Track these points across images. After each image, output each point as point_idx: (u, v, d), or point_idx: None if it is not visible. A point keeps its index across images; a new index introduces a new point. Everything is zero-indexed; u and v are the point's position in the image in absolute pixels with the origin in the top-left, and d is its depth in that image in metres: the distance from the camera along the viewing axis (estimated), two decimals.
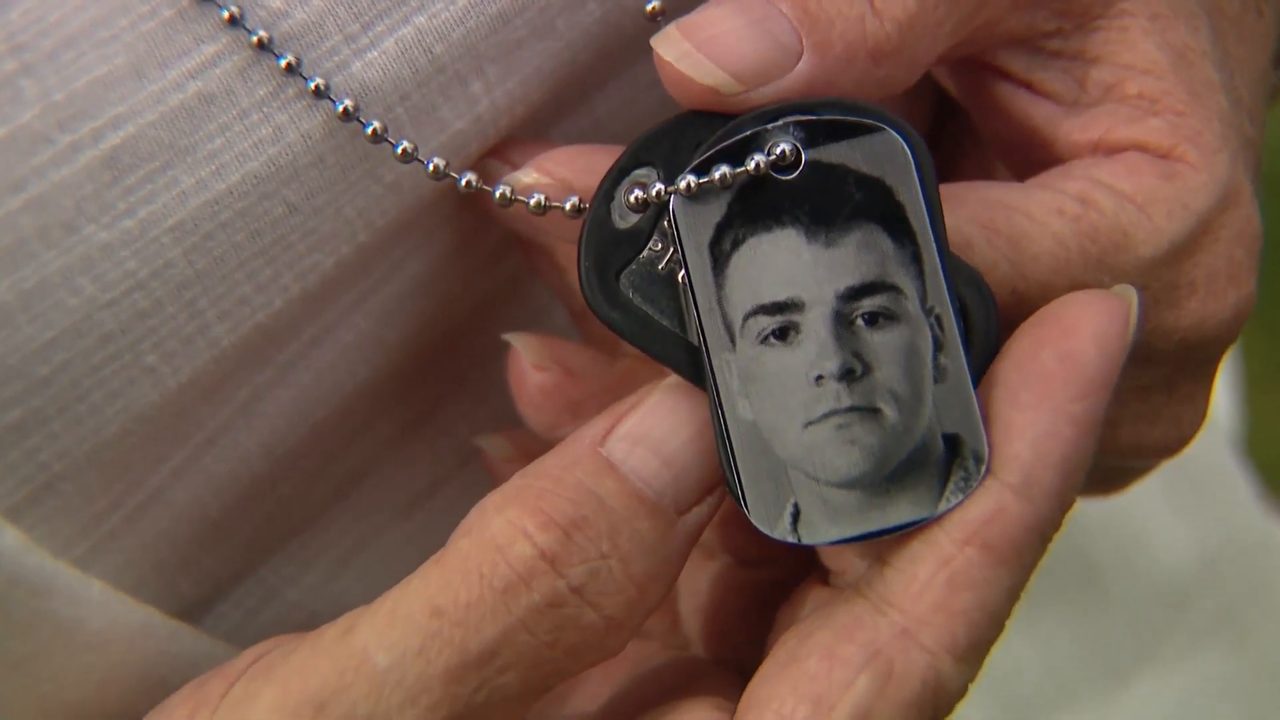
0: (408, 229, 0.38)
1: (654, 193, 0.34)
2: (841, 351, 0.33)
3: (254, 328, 0.36)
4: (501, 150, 0.38)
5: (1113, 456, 0.40)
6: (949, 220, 0.34)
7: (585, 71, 0.39)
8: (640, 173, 0.35)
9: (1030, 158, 0.39)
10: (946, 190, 0.35)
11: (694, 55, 0.34)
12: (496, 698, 0.33)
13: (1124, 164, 0.37)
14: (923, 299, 0.34)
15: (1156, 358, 0.38)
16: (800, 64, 0.34)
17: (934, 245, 0.34)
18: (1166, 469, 0.62)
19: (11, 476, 0.34)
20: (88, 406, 0.35)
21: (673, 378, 0.35)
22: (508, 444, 0.42)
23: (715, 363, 0.34)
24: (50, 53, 0.33)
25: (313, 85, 0.35)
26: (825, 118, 0.34)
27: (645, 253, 0.35)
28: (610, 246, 0.35)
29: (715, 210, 0.34)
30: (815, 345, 0.33)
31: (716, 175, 0.34)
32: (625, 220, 0.35)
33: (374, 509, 0.43)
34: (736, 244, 0.34)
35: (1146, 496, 0.68)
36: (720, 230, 0.34)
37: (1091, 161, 0.37)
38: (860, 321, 0.34)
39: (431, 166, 0.36)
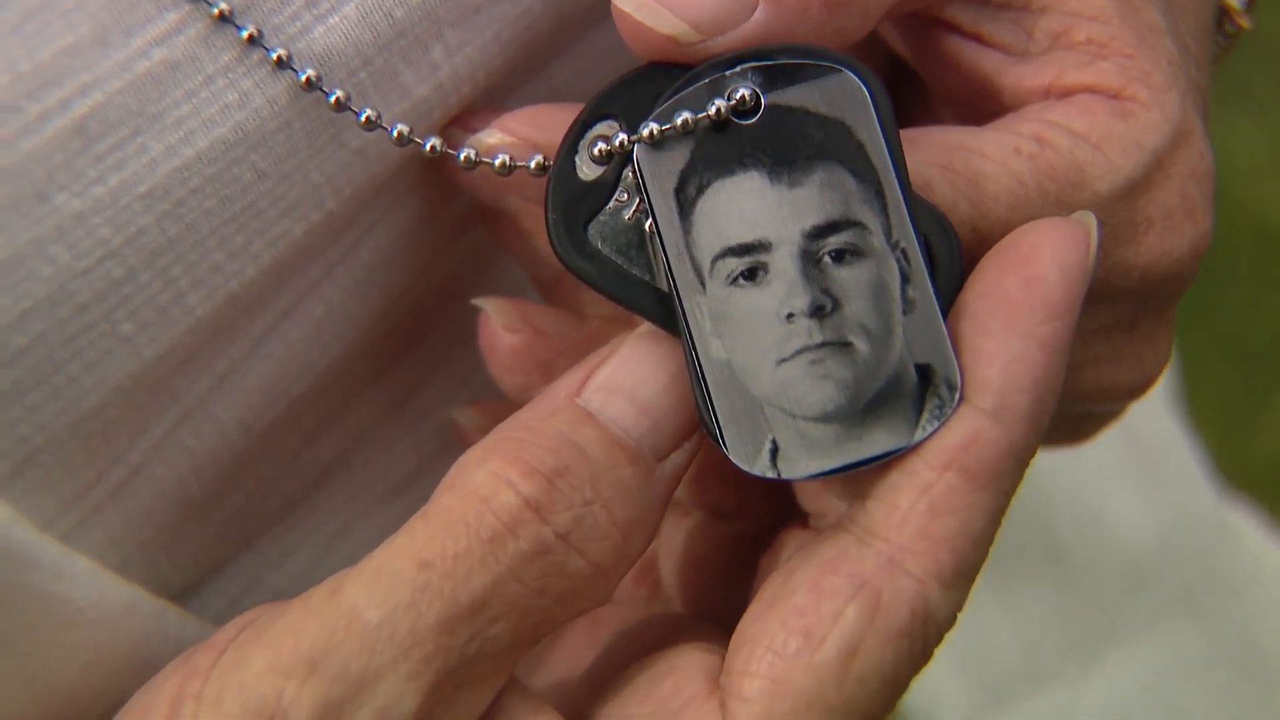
0: (374, 198, 0.38)
1: (617, 143, 0.35)
2: (810, 289, 0.34)
3: (227, 296, 0.36)
4: (462, 119, 0.38)
5: (1079, 400, 0.40)
6: (909, 164, 0.35)
7: (543, 39, 0.39)
8: (603, 125, 0.35)
9: (982, 109, 0.39)
10: (904, 135, 0.35)
11: (652, 5, 0.34)
12: (488, 649, 0.33)
13: (1076, 105, 0.37)
14: (888, 234, 0.34)
15: (1117, 296, 0.38)
16: (756, 13, 0.35)
17: (895, 181, 0.34)
18: (1121, 445, 0.63)
19: None
20: (65, 378, 0.35)
21: (644, 326, 0.35)
22: (480, 416, 0.42)
23: (686, 306, 0.34)
24: (14, 25, 0.33)
25: (274, 56, 0.35)
26: (782, 62, 0.34)
27: (611, 203, 0.35)
28: (577, 198, 0.35)
29: (679, 157, 0.34)
30: (784, 284, 0.34)
31: (678, 121, 0.34)
32: (590, 172, 0.35)
33: (357, 494, 0.43)
34: (701, 189, 0.34)
35: (1105, 473, 0.69)
36: (684, 176, 0.34)
37: (1044, 105, 0.38)
38: (827, 259, 0.34)
39: (395, 133, 0.36)
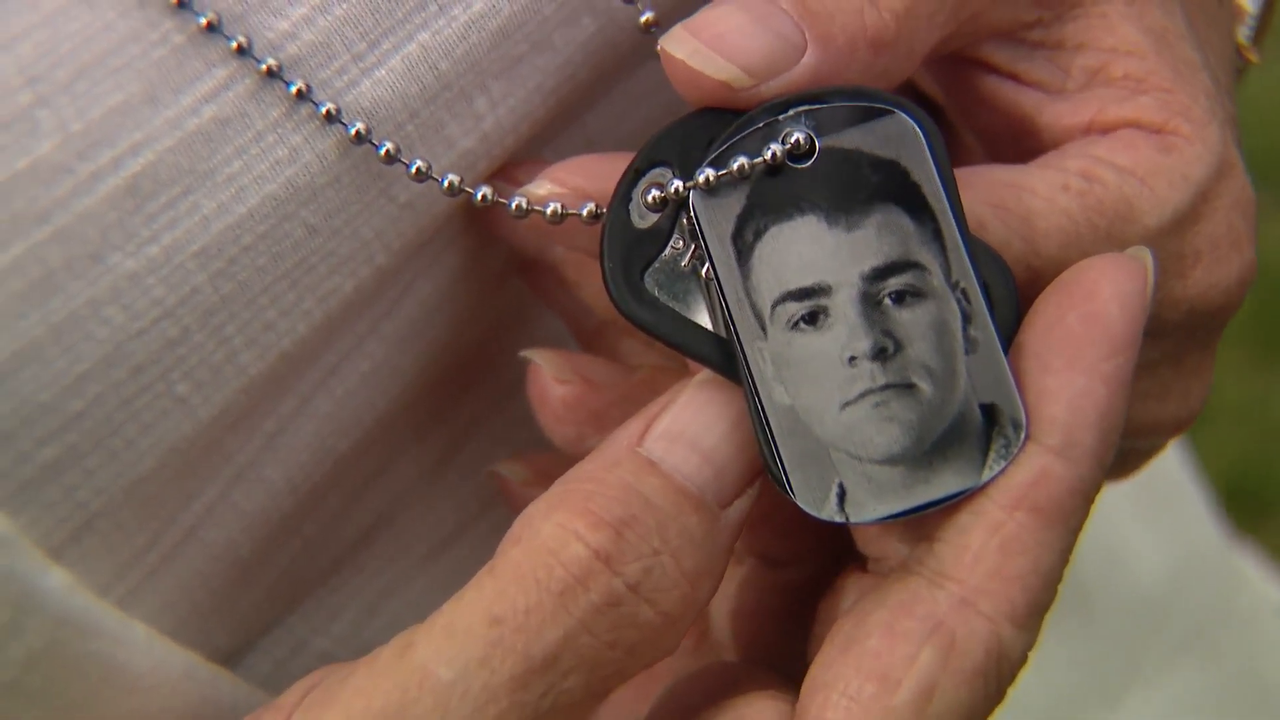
0: (418, 251, 0.38)
1: (672, 190, 0.34)
2: (872, 331, 0.34)
3: (280, 355, 0.36)
4: (507, 171, 0.38)
5: (1126, 436, 0.40)
6: None
7: (582, 88, 0.39)
8: (656, 172, 0.35)
9: (1021, 147, 0.39)
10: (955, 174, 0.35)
11: (704, 51, 0.34)
12: (561, 702, 0.32)
13: (1120, 140, 0.37)
14: (947, 274, 0.34)
15: (1164, 330, 0.38)
16: (805, 57, 0.35)
17: (953, 221, 0.34)
18: (1132, 482, 0.63)
19: (51, 515, 0.34)
20: (122, 440, 0.34)
21: (703, 374, 0.35)
22: (525, 469, 0.42)
23: (748, 352, 0.34)
24: (65, 84, 0.33)
25: (323, 110, 0.35)
26: (835, 105, 0.34)
27: (667, 251, 0.35)
28: (632, 247, 0.35)
29: (735, 203, 0.34)
30: (845, 327, 0.34)
31: (735, 166, 0.34)
32: (644, 220, 0.35)
33: (399, 554, 0.43)
34: (759, 234, 0.34)
35: (1119, 510, 0.69)
36: (741, 222, 0.34)
37: (1087, 141, 0.38)
38: (888, 300, 0.34)
39: (446, 183, 0.36)
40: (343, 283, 0.36)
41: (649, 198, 0.35)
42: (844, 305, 0.34)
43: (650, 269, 0.35)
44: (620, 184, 0.35)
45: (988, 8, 0.38)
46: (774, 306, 0.34)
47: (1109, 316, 0.33)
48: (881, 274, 0.34)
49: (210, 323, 0.34)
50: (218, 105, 0.34)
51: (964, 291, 0.34)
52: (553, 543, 0.32)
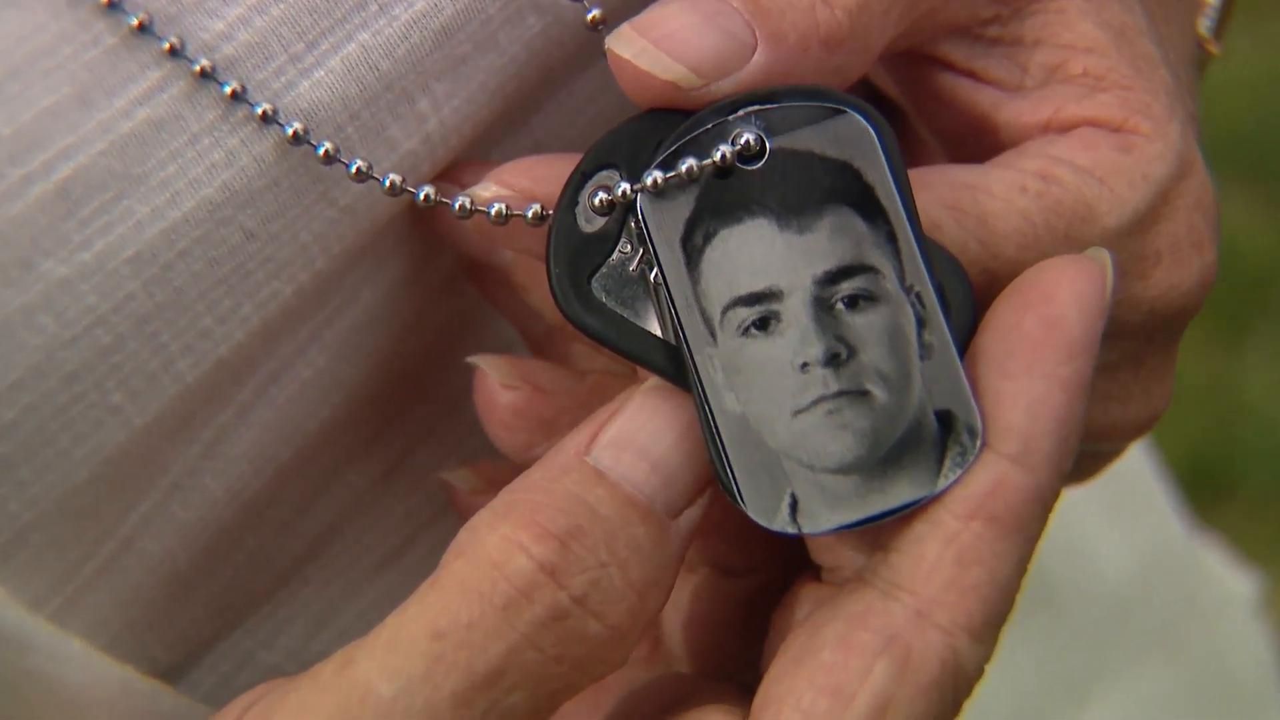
0: (361, 256, 0.37)
1: (619, 193, 0.34)
2: (824, 337, 0.33)
3: (216, 362, 0.35)
4: (452, 173, 0.37)
5: (1086, 440, 0.40)
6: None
7: (528, 88, 0.38)
8: (603, 175, 0.34)
9: (979, 146, 0.39)
10: (909, 175, 0.35)
11: (651, 51, 0.34)
12: (507, 718, 0.31)
13: (1079, 139, 0.37)
14: (901, 277, 0.33)
15: (1125, 332, 0.38)
16: (756, 56, 0.34)
17: (907, 223, 0.33)
18: (1097, 481, 0.62)
19: None
20: (55, 451, 0.33)
21: (652, 380, 0.34)
22: (474, 476, 0.41)
23: (697, 359, 0.33)
24: None
25: (259, 111, 0.34)
26: (786, 105, 0.34)
27: (615, 255, 0.34)
28: (579, 251, 0.34)
29: (683, 206, 0.33)
30: (797, 332, 0.33)
31: (683, 169, 0.33)
32: (591, 224, 0.34)
33: (348, 566, 0.42)
34: (708, 238, 0.33)
35: (1084, 508, 0.68)
36: (690, 225, 0.33)
37: (1046, 140, 0.37)
38: (840, 305, 0.33)
39: (388, 183, 0.35)
40: (282, 288, 0.35)
41: (596, 201, 0.34)
42: (796, 310, 0.33)
43: (597, 274, 0.34)
44: (566, 187, 0.34)
45: (943, 4, 0.37)
46: (724, 312, 0.33)
47: (1066, 320, 0.33)
48: (834, 278, 0.33)
49: (145, 330, 0.34)
50: (151, 108, 0.33)
51: (918, 295, 0.33)
52: (497, 555, 0.32)
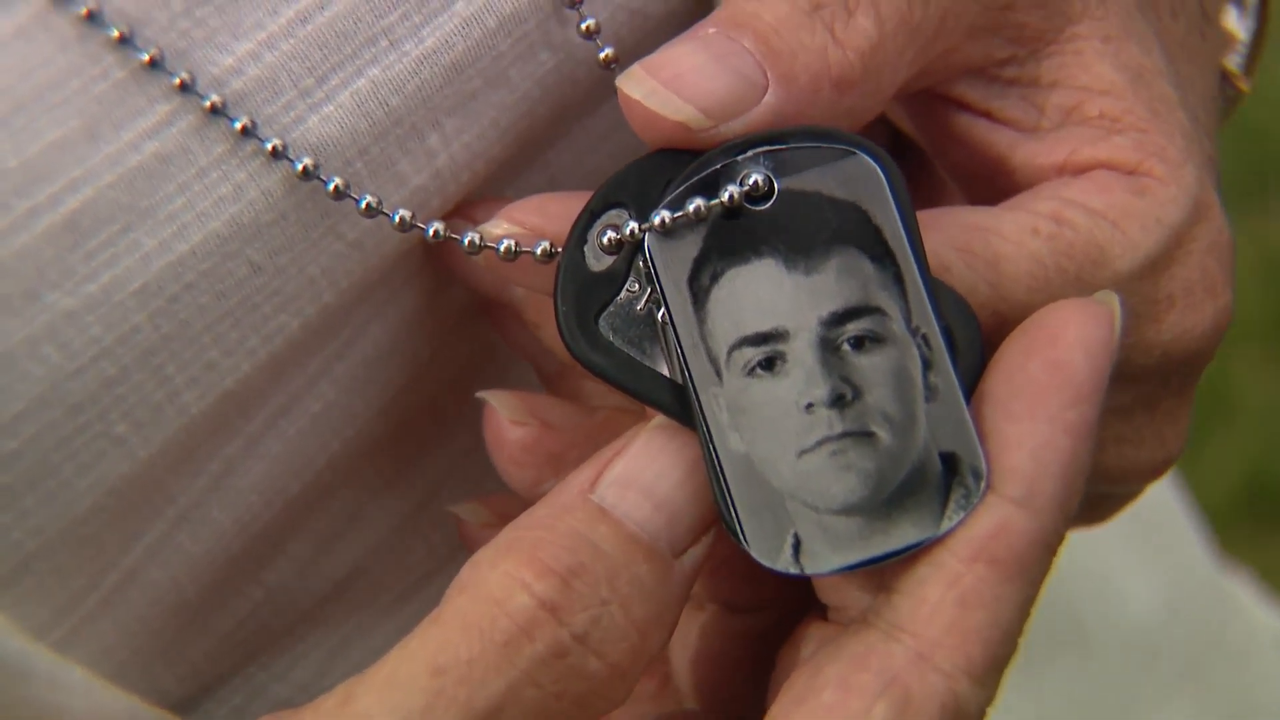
0: (370, 291, 0.37)
1: (627, 232, 0.34)
2: (830, 378, 0.33)
3: (222, 394, 0.35)
4: (464, 210, 0.37)
5: (1100, 482, 0.39)
6: (926, 246, 0.34)
7: (541, 124, 0.38)
8: (612, 214, 0.34)
9: (994, 186, 0.39)
10: (920, 216, 0.34)
11: (661, 92, 0.33)
12: None
13: (1093, 182, 0.36)
14: (907, 319, 0.33)
15: (1138, 375, 0.37)
16: (767, 96, 0.34)
17: (915, 265, 0.33)
18: (1123, 516, 0.62)
19: None
20: (59, 481, 0.33)
21: (658, 419, 0.34)
22: (484, 510, 0.41)
23: (703, 398, 0.33)
24: (3, 118, 0.32)
25: (269, 146, 0.34)
26: (795, 145, 0.33)
27: (622, 294, 0.34)
28: (586, 290, 0.34)
29: (691, 245, 0.33)
30: (803, 373, 0.33)
31: (691, 209, 0.33)
32: (600, 262, 0.34)
33: (366, 603, 0.42)
34: (715, 278, 0.33)
35: (1111, 544, 0.68)
36: (698, 265, 0.33)
37: (1060, 182, 0.37)
38: (846, 346, 0.33)
39: (398, 219, 0.35)
40: (289, 321, 0.35)
41: (604, 240, 0.34)
42: (802, 351, 0.33)
43: (605, 312, 0.34)
44: (575, 226, 0.34)
45: (959, 44, 0.37)
46: (730, 351, 0.33)
47: (1073, 364, 0.32)
48: (840, 319, 0.33)
49: (150, 362, 0.34)
50: (160, 141, 0.33)
51: (925, 337, 0.33)
52: (499, 592, 0.32)
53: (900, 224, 0.33)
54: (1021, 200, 0.36)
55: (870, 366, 0.33)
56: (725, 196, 0.33)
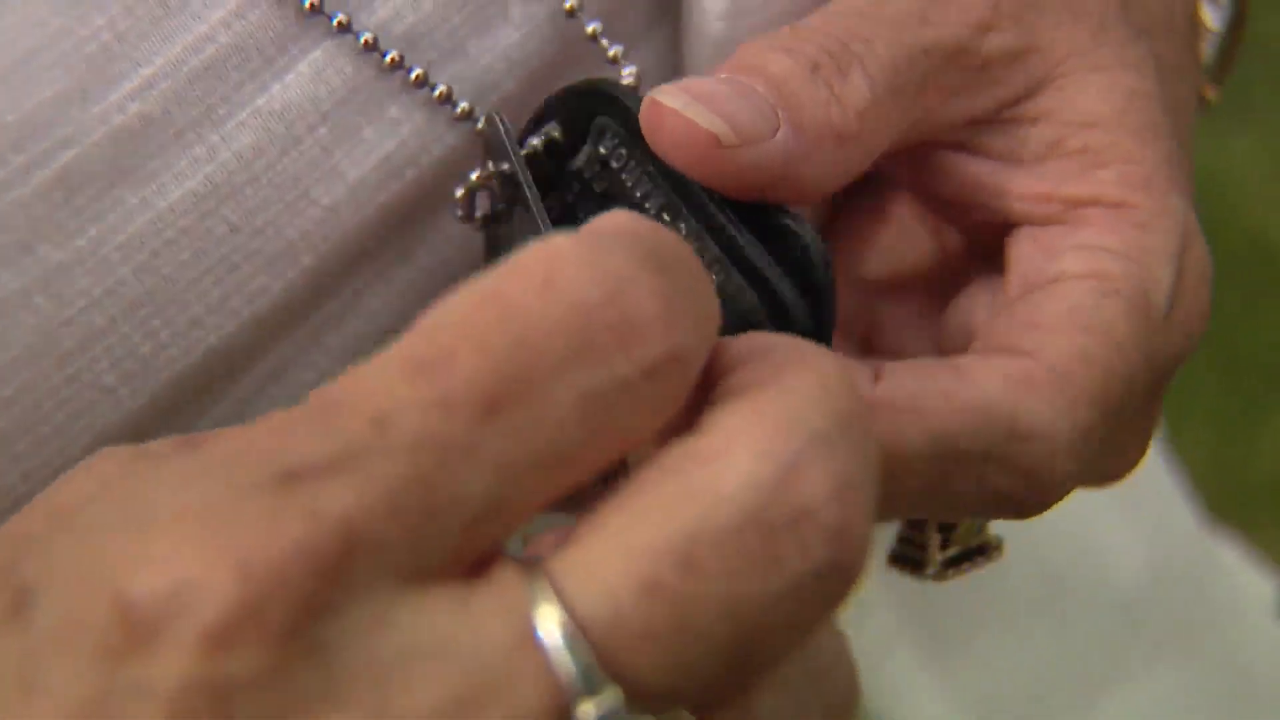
0: (356, 260, 0.38)
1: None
2: None
3: (207, 350, 0.36)
4: None
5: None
6: None
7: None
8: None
9: (975, 218, 0.39)
10: None
11: (696, 104, 0.35)
12: None
13: (1097, 225, 0.37)
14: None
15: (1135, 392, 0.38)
16: (779, 135, 0.35)
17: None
18: None
19: None
20: (51, 427, 0.35)
21: None
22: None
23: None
24: (1, 74, 0.34)
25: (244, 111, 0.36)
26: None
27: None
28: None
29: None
30: None
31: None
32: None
33: None
34: None
35: (1093, 506, 0.68)
36: None
37: (1066, 230, 0.38)
38: None
39: (438, 93, 0.38)
40: (270, 283, 0.37)
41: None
42: None
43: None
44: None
45: (939, 106, 0.37)
46: None
47: None
48: None
49: (136, 314, 0.35)
50: (142, 102, 0.35)
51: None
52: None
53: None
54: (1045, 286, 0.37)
55: None
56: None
